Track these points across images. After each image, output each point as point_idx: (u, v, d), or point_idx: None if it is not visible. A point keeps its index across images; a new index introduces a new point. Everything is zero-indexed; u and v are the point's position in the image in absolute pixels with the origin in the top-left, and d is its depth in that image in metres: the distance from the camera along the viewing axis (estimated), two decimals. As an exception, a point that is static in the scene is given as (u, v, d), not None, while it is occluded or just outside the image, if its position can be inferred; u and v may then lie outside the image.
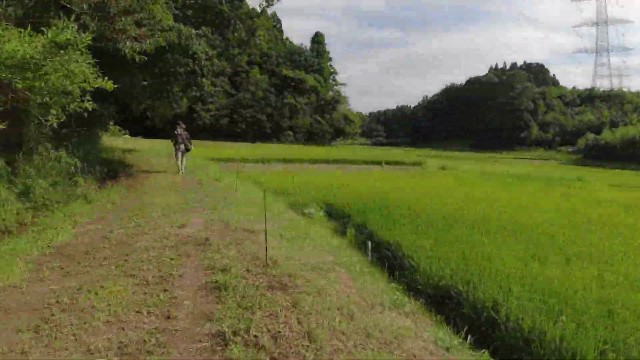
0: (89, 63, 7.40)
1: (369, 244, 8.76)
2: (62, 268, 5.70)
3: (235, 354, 3.58)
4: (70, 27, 6.34)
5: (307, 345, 3.77)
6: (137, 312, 4.36)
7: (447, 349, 4.40)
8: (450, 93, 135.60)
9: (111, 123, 23.96)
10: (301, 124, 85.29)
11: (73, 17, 7.50)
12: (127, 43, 10.16)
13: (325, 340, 3.87)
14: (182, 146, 17.56)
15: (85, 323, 4.05)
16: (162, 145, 32.00)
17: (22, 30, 6.21)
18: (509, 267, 6.91)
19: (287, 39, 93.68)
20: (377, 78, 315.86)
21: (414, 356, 3.95)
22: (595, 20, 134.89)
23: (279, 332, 3.97)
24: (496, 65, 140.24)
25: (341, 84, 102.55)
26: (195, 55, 15.19)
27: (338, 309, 4.63)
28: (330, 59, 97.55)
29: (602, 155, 74.47)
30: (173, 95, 18.46)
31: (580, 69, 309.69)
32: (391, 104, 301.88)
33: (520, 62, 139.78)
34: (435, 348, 4.31)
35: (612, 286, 6.26)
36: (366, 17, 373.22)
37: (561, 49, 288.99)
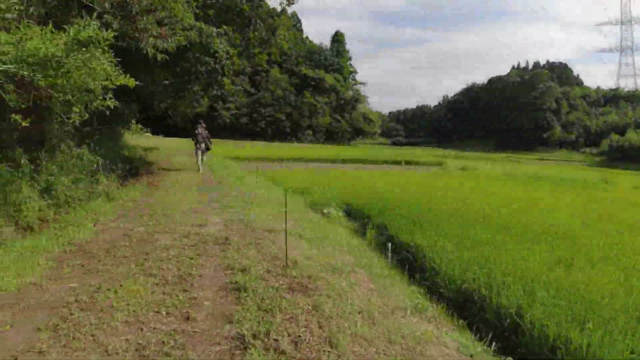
0: (111, 61, 7.42)
1: (389, 245, 8.64)
2: (82, 266, 5.70)
3: (255, 359, 3.50)
4: (92, 25, 6.34)
5: (329, 351, 3.68)
6: (156, 312, 4.31)
7: (471, 356, 4.28)
8: (472, 92, 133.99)
9: (133, 121, 24.24)
10: (320, 123, 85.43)
11: (95, 16, 7.53)
12: (150, 41, 10.19)
13: (347, 346, 3.78)
14: (203, 145, 17.87)
15: (103, 323, 4.02)
16: (183, 144, 32.35)
17: (44, 27, 6.22)
18: (533, 271, 6.74)
19: (307, 38, 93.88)
20: (396, 77, 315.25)
21: (438, 364, 3.83)
22: (620, 19, 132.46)
23: (300, 336, 3.88)
24: (518, 64, 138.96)
25: (360, 83, 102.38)
26: (216, 54, 15.22)
27: (359, 313, 4.54)
28: (349, 58, 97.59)
29: (626, 157, 72.96)
30: (194, 94, 18.60)
31: (605, 68, 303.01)
32: (411, 104, 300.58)
33: (542, 61, 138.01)
34: (459, 355, 4.20)
35: (639, 292, 6.04)
36: (387, 16, 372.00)
37: (585, 47, 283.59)
